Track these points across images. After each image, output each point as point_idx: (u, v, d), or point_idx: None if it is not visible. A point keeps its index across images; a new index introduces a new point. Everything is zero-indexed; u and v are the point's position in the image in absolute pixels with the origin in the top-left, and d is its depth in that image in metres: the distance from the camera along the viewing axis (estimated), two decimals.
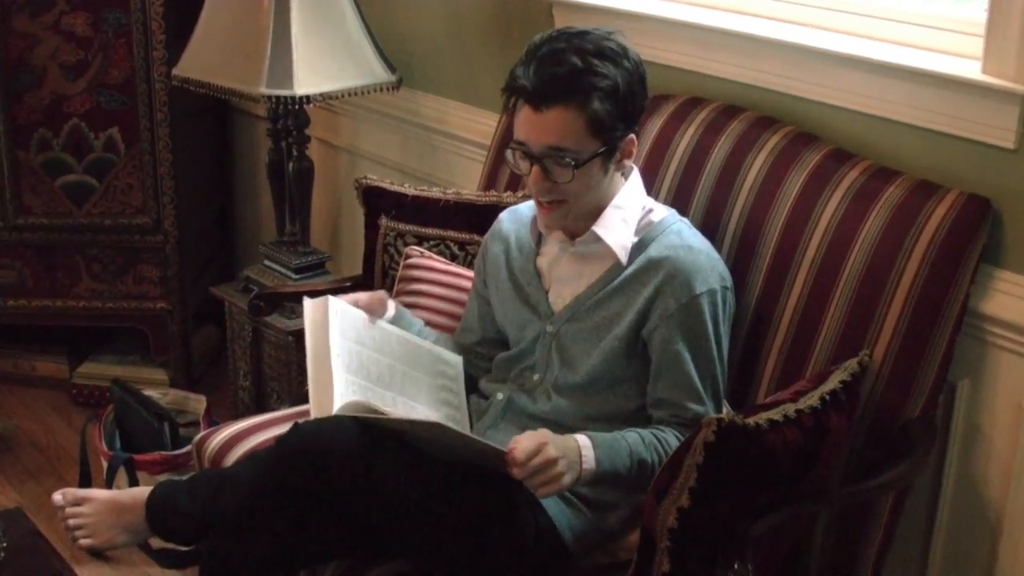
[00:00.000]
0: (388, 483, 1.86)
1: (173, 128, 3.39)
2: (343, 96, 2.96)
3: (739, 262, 2.15)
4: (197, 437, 2.39)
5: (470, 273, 2.35)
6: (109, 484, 2.93)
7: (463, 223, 2.48)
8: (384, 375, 2.07)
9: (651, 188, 2.27)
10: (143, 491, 2.12)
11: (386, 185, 2.55)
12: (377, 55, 3.00)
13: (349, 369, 2.00)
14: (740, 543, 1.73)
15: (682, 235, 2.05)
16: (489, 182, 2.64)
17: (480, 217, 2.41)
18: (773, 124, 2.25)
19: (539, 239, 2.16)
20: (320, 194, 3.33)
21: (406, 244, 2.50)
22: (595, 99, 1.93)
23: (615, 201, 2.06)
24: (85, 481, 3.05)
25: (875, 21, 2.22)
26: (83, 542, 2.12)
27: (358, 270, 2.63)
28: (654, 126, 2.37)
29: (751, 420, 1.69)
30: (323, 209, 3.50)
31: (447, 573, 1.93)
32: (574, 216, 2.05)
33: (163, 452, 2.96)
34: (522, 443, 1.83)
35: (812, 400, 1.80)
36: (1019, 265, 1.98)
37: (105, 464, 2.99)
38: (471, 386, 2.23)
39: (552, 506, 1.94)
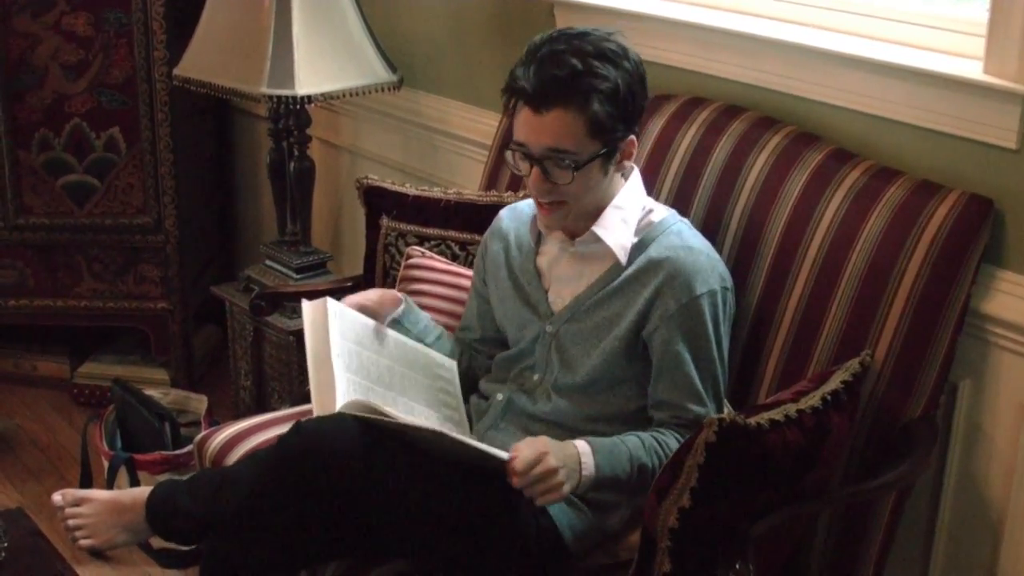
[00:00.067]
0: (389, 483, 1.86)
1: (174, 128, 3.40)
2: (344, 96, 2.96)
3: (740, 262, 2.15)
4: (198, 437, 2.39)
5: (471, 273, 2.35)
6: (110, 484, 2.93)
7: (464, 223, 2.48)
8: (384, 375, 2.07)
9: (652, 188, 2.27)
10: (143, 491, 2.12)
11: (387, 185, 2.55)
12: (378, 55, 3.00)
13: (350, 369, 2.00)
14: (741, 543, 1.73)
15: (682, 235, 2.05)
16: (490, 182, 2.64)
17: (481, 217, 2.41)
18: (774, 124, 2.24)
19: (538, 238, 2.16)
20: (321, 194, 3.33)
21: (407, 244, 2.50)
22: (595, 101, 1.93)
23: (615, 201, 2.06)
24: (86, 481, 3.05)
25: (876, 21, 2.22)
26: (83, 542, 2.12)
27: (359, 270, 2.63)
28: (655, 126, 2.37)
29: (752, 420, 1.69)
30: (324, 209, 3.50)
31: (448, 573, 1.92)
32: (574, 216, 2.05)
33: (164, 452, 2.96)
34: (522, 453, 1.83)
35: (813, 400, 1.80)
36: (1021, 265, 1.98)
37: (106, 464, 2.99)
38: (471, 386, 2.23)
39: (553, 506, 1.94)
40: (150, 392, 3.17)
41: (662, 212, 2.10)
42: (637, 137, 2.04)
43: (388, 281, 2.53)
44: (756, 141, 2.22)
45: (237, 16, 2.93)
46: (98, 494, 2.16)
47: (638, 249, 2.04)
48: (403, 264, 2.46)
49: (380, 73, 2.99)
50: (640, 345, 2.02)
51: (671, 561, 1.71)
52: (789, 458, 1.75)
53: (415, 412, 2.06)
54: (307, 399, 2.32)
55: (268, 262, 3.21)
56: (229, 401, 3.35)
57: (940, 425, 2.01)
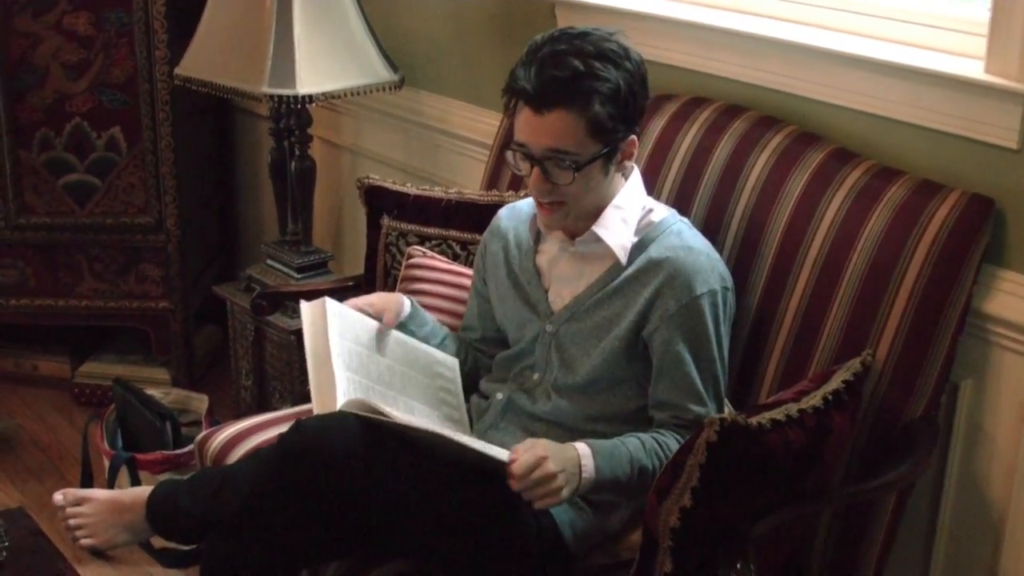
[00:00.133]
0: (389, 482, 1.86)
1: (175, 127, 3.39)
2: (345, 95, 2.96)
3: (741, 262, 2.15)
4: (199, 436, 2.39)
5: (472, 272, 2.35)
6: (111, 483, 2.93)
7: (465, 223, 2.48)
8: (384, 375, 2.07)
9: (653, 188, 2.27)
10: (144, 490, 2.12)
11: (388, 185, 2.55)
12: (379, 54, 3.00)
13: (350, 368, 2.00)
14: (742, 543, 1.73)
15: (682, 235, 2.05)
16: (491, 181, 2.64)
17: (482, 217, 2.41)
18: (775, 124, 2.24)
19: (537, 236, 2.16)
20: (322, 193, 3.33)
21: (408, 244, 2.50)
22: (596, 102, 1.93)
23: (615, 201, 2.05)
24: (87, 480, 3.05)
25: (878, 20, 2.22)
26: (84, 542, 2.12)
27: (360, 270, 2.63)
28: (656, 126, 2.37)
29: (753, 420, 1.69)
30: (325, 208, 3.50)
31: (448, 573, 1.92)
32: (574, 216, 2.05)
33: (165, 452, 2.96)
34: (521, 457, 1.83)
35: (814, 400, 1.80)
36: (1022, 265, 1.98)
37: (107, 463, 2.99)
38: (471, 387, 2.23)
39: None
40: (151, 392, 3.17)
41: (662, 212, 2.10)
42: (638, 137, 2.04)
43: (389, 281, 2.53)
44: (757, 141, 2.21)
45: (238, 15, 2.93)
46: (99, 493, 2.16)
47: (638, 249, 2.04)
48: (404, 264, 2.46)
49: (381, 72, 2.99)
50: (640, 345, 2.02)
51: (672, 561, 1.71)
52: (790, 458, 1.74)
53: (415, 411, 2.06)
54: (308, 399, 2.31)
55: (269, 261, 3.21)
56: (230, 401, 3.35)
57: (941, 425, 2.01)
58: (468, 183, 2.83)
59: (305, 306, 2.08)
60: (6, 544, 2.11)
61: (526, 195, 2.35)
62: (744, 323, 2.13)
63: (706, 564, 1.72)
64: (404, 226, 2.52)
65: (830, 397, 1.81)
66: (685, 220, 2.11)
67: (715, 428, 1.65)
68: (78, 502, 2.13)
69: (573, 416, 2.04)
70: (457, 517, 1.87)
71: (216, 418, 3.12)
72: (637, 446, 1.93)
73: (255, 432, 2.32)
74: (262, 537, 1.91)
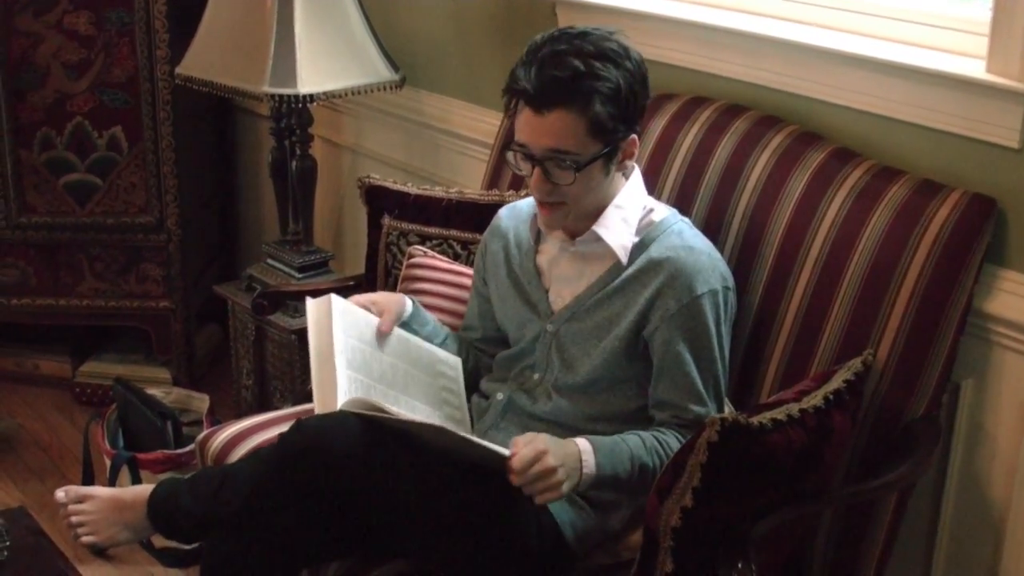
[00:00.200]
0: (390, 482, 1.86)
1: (176, 127, 3.39)
2: (346, 95, 2.96)
3: (742, 261, 2.15)
4: (200, 436, 2.39)
5: (473, 272, 2.35)
6: (112, 483, 2.93)
7: (466, 222, 2.48)
8: (387, 373, 2.07)
9: (654, 188, 2.27)
10: (145, 489, 2.12)
11: (389, 184, 2.55)
12: (380, 54, 3.00)
13: (352, 366, 2.00)
14: (743, 543, 1.73)
15: (683, 235, 2.05)
16: (492, 181, 2.64)
17: (483, 216, 2.41)
18: (777, 123, 2.24)
19: (538, 236, 2.15)
20: (323, 193, 3.33)
21: (409, 243, 2.50)
22: (596, 102, 1.93)
23: (616, 201, 2.05)
24: (88, 480, 3.06)
25: (879, 20, 2.22)
26: (85, 539, 2.12)
27: (361, 269, 2.63)
28: (657, 125, 2.37)
29: (754, 420, 1.69)
30: (326, 208, 3.50)
31: (449, 573, 1.92)
32: (575, 216, 2.04)
33: (166, 451, 2.96)
34: (521, 451, 1.82)
35: (815, 400, 1.80)
36: (1023, 264, 1.98)
37: (108, 463, 2.99)
38: (472, 386, 2.23)
39: (555, 505, 1.94)
40: (152, 391, 3.17)
41: (663, 212, 2.10)
42: (639, 136, 2.04)
43: (390, 280, 2.53)
44: (758, 140, 2.21)
45: (239, 15, 2.93)
46: (100, 491, 2.16)
47: (639, 249, 2.04)
48: (405, 263, 2.46)
49: (382, 72, 2.99)
50: (640, 345, 2.02)
51: (673, 561, 1.70)
52: (791, 458, 1.74)
53: (416, 411, 2.06)
54: (309, 398, 2.31)
55: (270, 261, 3.22)
56: (231, 400, 3.35)
57: (942, 425, 2.01)
58: (469, 183, 2.83)
59: (311, 302, 2.08)
60: (7, 543, 2.11)
61: (526, 195, 2.35)
62: (745, 323, 2.13)
63: (707, 564, 1.72)
64: (405, 226, 2.52)
65: (831, 397, 1.81)
66: (686, 220, 2.11)
67: (716, 428, 1.65)
68: (80, 499, 2.13)
69: (573, 416, 2.04)
70: (457, 517, 1.87)
71: (217, 418, 3.12)
72: (638, 444, 1.93)
73: (256, 432, 2.32)
74: (262, 536, 1.91)
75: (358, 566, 1.97)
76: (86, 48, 3.34)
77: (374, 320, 2.12)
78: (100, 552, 2.83)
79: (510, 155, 2.03)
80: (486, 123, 2.88)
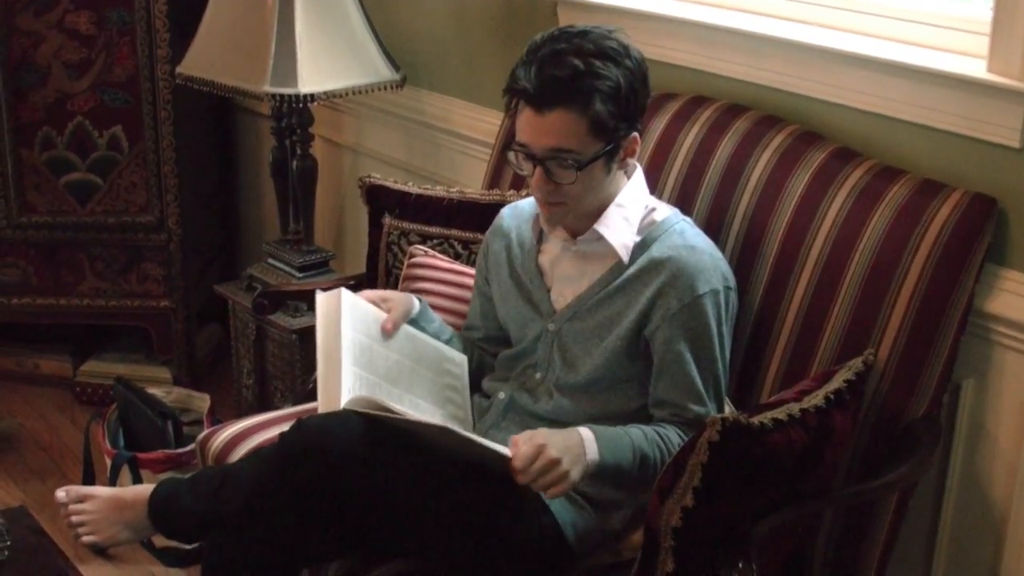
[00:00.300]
0: (390, 482, 1.86)
1: (177, 126, 3.39)
2: (347, 94, 2.96)
3: (743, 261, 2.15)
4: (201, 435, 2.39)
5: (474, 272, 2.35)
6: (113, 482, 2.93)
7: (467, 222, 2.48)
8: (392, 371, 2.06)
9: (655, 187, 2.27)
10: (146, 488, 2.12)
11: (390, 184, 2.55)
12: (381, 53, 3.00)
13: (358, 363, 1.99)
14: (744, 542, 1.73)
15: (685, 235, 2.05)
16: (493, 181, 2.64)
17: (484, 216, 2.41)
18: (777, 123, 2.24)
19: (540, 235, 2.16)
20: (324, 192, 3.33)
21: (410, 243, 2.50)
22: (597, 100, 1.93)
23: (617, 200, 2.05)
24: (89, 479, 3.06)
25: (880, 20, 2.22)
26: (86, 539, 2.12)
27: (362, 269, 2.63)
28: (658, 125, 2.36)
29: (755, 419, 1.69)
30: (327, 207, 3.50)
31: (449, 573, 1.92)
32: (576, 215, 2.04)
33: (167, 450, 2.96)
34: (521, 450, 1.82)
35: (816, 399, 1.80)
36: None
37: (109, 462, 2.99)
38: (475, 385, 2.23)
39: (556, 505, 1.94)
40: (152, 391, 3.17)
41: (665, 211, 2.10)
42: (640, 134, 2.04)
43: (390, 280, 2.53)
44: (759, 140, 2.21)
45: (240, 14, 2.93)
46: (101, 491, 2.17)
47: (640, 248, 2.04)
48: (406, 263, 2.46)
49: (383, 71, 2.99)
50: (642, 344, 2.02)
51: (674, 560, 1.70)
52: (792, 457, 1.74)
53: (420, 409, 2.05)
54: (309, 398, 2.32)
55: (271, 261, 3.22)
56: (231, 400, 3.35)
57: (943, 424, 2.01)
58: (470, 182, 2.83)
59: (321, 296, 2.07)
60: (8, 543, 2.11)
61: (527, 195, 2.35)
62: (746, 322, 2.13)
63: (708, 563, 1.72)
64: (406, 225, 2.52)
65: (832, 396, 1.81)
66: (688, 219, 2.11)
67: (717, 427, 1.65)
68: (80, 499, 2.13)
69: (575, 415, 2.04)
70: (458, 517, 1.87)
71: (217, 417, 3.12)
72: (639, 435, 1.93)
73: (256, 431, 2.32)
74: (263, 536, 1.90)
75: (358, 566, 1.97)
76: (87, 48, 3.34)
77: (383, 316, 2.12)
78: (101, 552, 2.83)
79: (511, 155, 2.03)
80: (487, 123, 2.88)
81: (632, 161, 2.07)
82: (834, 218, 2.05)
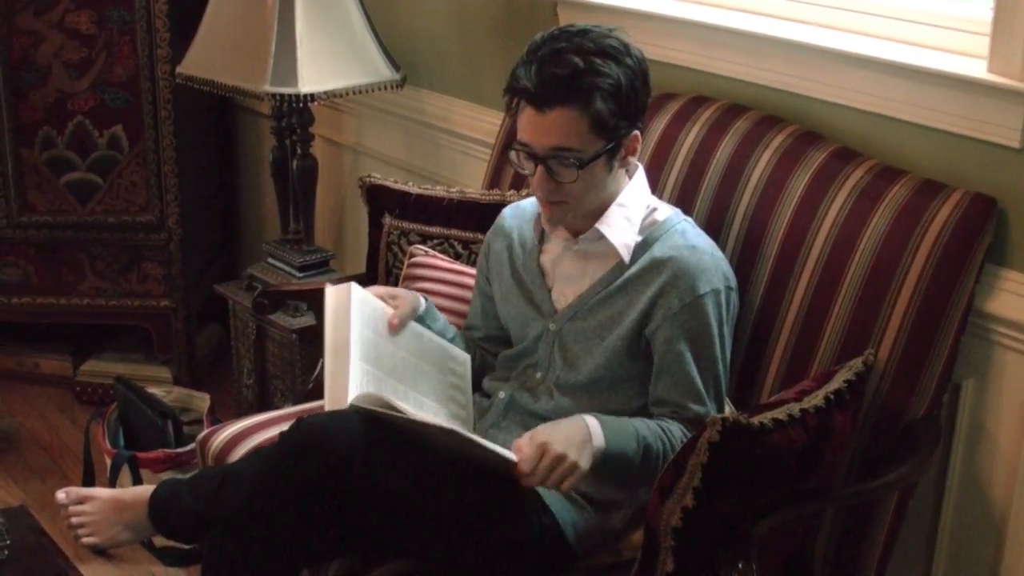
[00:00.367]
0: (390, 481, 1.86)
1: (177, 126, 3.40)
2: (347, 94, 2.96)
3: (743, 261, 2.15)
4: (200, 435, 2.39)
5: (474, 271, 2.35)
6: (113, 482, 2.93)
7: (467, 222, 2.48)
8: (398, 368, 2.06)
9: (655, 187, 2.27)
10: (146, 489, 2.12)
11: (390, 184, 2.55)
12: (381, 53, 3.00)
13: (366, 358, 1.99)
14: (744, 542, 1.73)
15: (686, 235, 2.05)
16: (493, 181, 2.64)
17: (484, 216, 2.41)
18: (778, 123, 2.24)
19: (542, 236, 2.16)
20: (324, 192, 3.33)
21: (410, 243, 2.50)
22: (598, 99, 1.93)
23: (619, 199, 2.05)
24: (88, 479, 3.06)
25: (880, 20, 2.22)
26: (86, 540, 2.12)
27: (362, 268, 2.63)
28: (658, 125, 2.36)
29: (755, 420, 1.69)
30: (327, 207, 3.50)
31: (449, 572, 1.92)
32: (578, 214, 2.04)
33: (167, 450, 2.96)
34: (524, 452, 1.82)
35: (816, 400, 1.80)
36: None
37: (109, 462, 2.99)
38: (474, 385, 2.23)
39: (556, 504, 1.94)
40: (153, 390, 3.17)
41: (666, 211, 2.10)
42: (641, 133, 2.04)
43: (391, 280, 2.53)
44: (759, 140, 2.21)
45: (240, 14, 2.93)
46: (101, 492, 2.16)
47: (642, 248, 2.04)
48: (406, 263, 2.46)
49: (383, 71, 2.99)
50: (643, 344, 2.02)
51: (674, 560, 1.70)
52: (792, 457, 1.74)
53: (424, 407, 2.05)
54: (309, 398, 2.32)
55: (271, 260, 3.22)
56: (231, 399, 3.35)
57: (943, 425, 2.01)
58: (470, 182, 2.83)
59: (331, 290, 2.07)
60: (8, 542, 2.11)
61: (527, 194, 2.35)
62: (746, 322, 2.13)
63: (708, 563, 1.72)
64: (406, 225, 2.52)
65: (832, 397, 1.81)
66: (689, 219, 2.11)
67: (717, 428, 1.65)
68: (81, 500, 2.13)
69: (575, 415, 2.04)
70: (458, 517, 1.87)
71: (217, 417, 3.12)
72: (643, 425, 1.93)
73: (256, 431, 2.32)
74: (263, 536, 1.90)
75: (358, 566, 1.97)
76: (87, 47, 3.34)
77: (391, 312, 2.12)
78: (101, 552, 2.83)
79: (513, 154, 2.03)
80: (487, 122, 2.88)
81: (634, 160, 2.07)
82: (834, 218, 2.05)
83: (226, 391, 3.45)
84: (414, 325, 2.15)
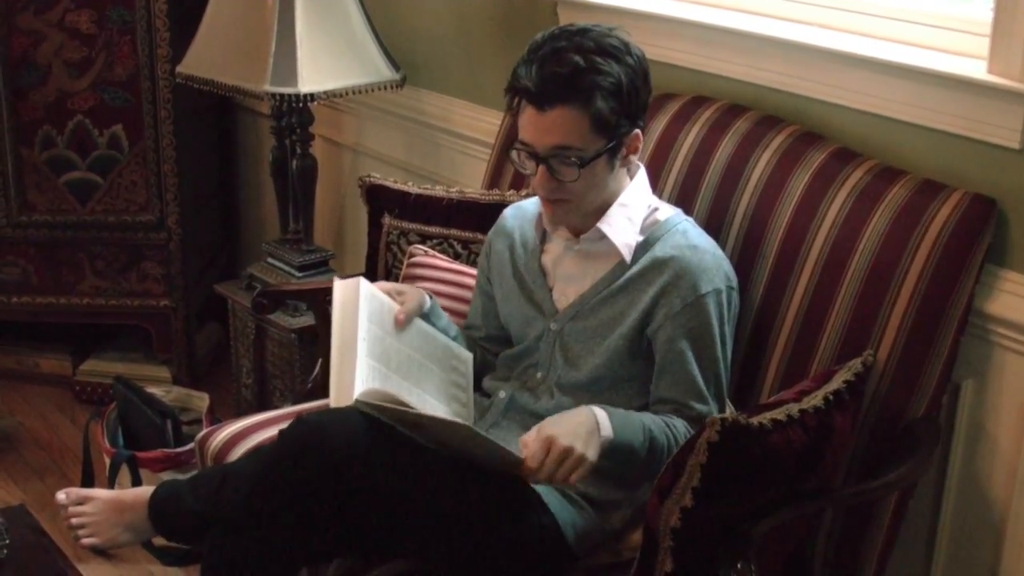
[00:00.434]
0: (390, 481, 1.86)
1: (177, 125, 3.40)
2: (347, 94, 2.96)
3: (743, 261, 2.15)
4: (200, 435, 2.39)
5: (474, 271, 2.35)
6: (112, 481, 2.93)
7: (466, 222, 2.48)
8: (403, 365, 2.06)
9: (656, 187, 2.27)
10: (146, 490, 2.12)
11: (389, 183, 2.55)
12: (381, 53, 3.00)
13: (372, 354, 1.99)
14: (743, 543, 1.73)
15: (688, 235, 2.05)
16: (493, 181, 2.64)
17: (484, 216, 2.41)
18: (778, 123, 2.24)
19: (543, 236, 2.16)
20: (324, 192, 3.33)
21: (409, 243, 2.50)
22: (598, 97, 1.93)
23: (620, 199, 2.06)
24: (88, 478, 3.06)
25: (880, 20, 2.22)
26: (86, 541, 2.12)
27: (361, 268, 2.63)
28: (658, 125, 2.37)
29: (755, 420, 1.69)
30: (327, 207, 3.50)
31: (449, 572, 1.92)
32: (579, 213, 2.05)
33: (166, 450, 2.96)
34: (530, 449, 1.82)
35: (816, 400, 1.80)
36: None
37: (108, 461, 2.99)
38: (476, 383, 2.23)
39: (555, 504, 1.94)
40: (152, 390, 3.18)
41: (667, 211, 2.10)
42: (642, 132, 2.04)
43: (390, 280, 2.53)
44: (759, 140, 2.21)
45: (240, 14, 2.93)
46: (101, 493, 2.16)
47: (643, 248, 2.04)
48: (405, 263, 2.46)
49: (383, 71, 2.99)
50: (644, 343, 2.02)
51: (673, 560, 1.70)
52: (791, 458, 1.74)
53: (427, 404, 2.05)
54: (309, 397, 2.32)
55: (270, 260, 3.22)
56: (231, 399, 3.35)
57: (943, 425, 2.01)
58: (470, 182, 2.83)
59: (339, 284, 2.07)
60: (7, 542, 2.11)
61: (527, 194, 2.35)
62: (746, 322, 2.13)
63: (707, 564, 1.72)
64: (405, 225, 2.52)
65: (831, 397, 1.81)
66: (690, 219, 2.11)
67: (716, 428, 1.65)
68: (81, 501, 2.13)
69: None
70: (458, 517, 1.87)
71: (217, 416, 3.12)
72: (649, 418, 1.93)
73: (256, 430, 2.32)
74: (263, 535, 1.90)
75: (358, 566, 1.97)
76: (87, 46, 3.34)
77: (397, 308, 2.12)
78: (101, 552, 2.83)
79: (514, 154, 2.03)
80: (487, 122, 2.88)
81: (635, 160, 2.07)
82: (834, 218, 2.05)
83: (225, 391, 3.45)
84: (419, 322, 2.15)
